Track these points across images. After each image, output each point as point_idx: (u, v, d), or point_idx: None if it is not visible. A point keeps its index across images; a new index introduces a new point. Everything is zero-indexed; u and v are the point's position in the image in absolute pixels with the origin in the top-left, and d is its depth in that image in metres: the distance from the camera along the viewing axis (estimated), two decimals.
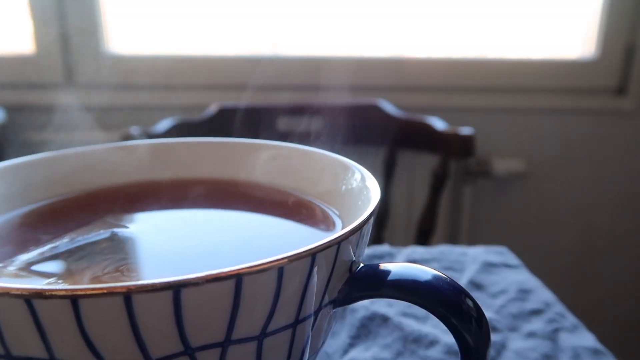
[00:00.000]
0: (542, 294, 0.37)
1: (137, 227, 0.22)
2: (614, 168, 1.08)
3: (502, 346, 0.31)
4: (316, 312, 0.17)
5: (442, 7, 1.00)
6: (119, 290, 0.13)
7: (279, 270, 0.14)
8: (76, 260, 0.19)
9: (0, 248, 0.20)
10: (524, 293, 0.37)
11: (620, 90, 1.04)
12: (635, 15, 1.00)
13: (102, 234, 0.21)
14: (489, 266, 0.41)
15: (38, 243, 0.20)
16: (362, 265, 0.19)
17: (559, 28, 1.04)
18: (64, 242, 0.20)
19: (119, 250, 0.20)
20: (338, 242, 0.16)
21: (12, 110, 0.96)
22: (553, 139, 1.06)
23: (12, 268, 0.18)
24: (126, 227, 0.22)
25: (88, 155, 0.27)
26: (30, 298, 0.13)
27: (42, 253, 0.19)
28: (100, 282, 0.17)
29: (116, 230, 0.21)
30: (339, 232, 0.16)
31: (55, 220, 0.23)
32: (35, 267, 0.18)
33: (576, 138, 1.06)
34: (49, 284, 0.17)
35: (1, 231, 0.22)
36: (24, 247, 0.20)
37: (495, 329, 0.33)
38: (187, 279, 0.13)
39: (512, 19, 1.02)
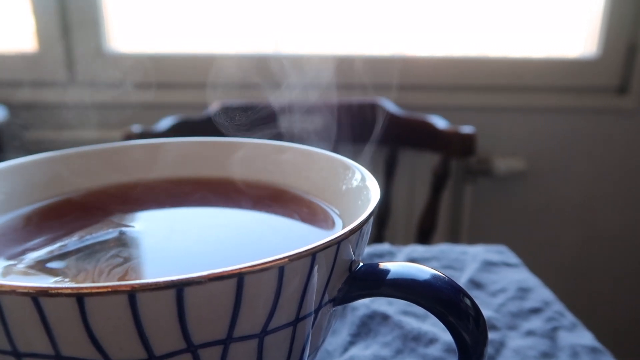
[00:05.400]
0: (542, 293, 0.37)
1: (142, 226, 0.23)
2: (615, 167, 1.08)
3: (501, 344, 0.32)
4: (316, 311, 0.17)
5: (444, 5, 1.00)
6: (123, 288, 0.13)
7: (279, 269, 0.15)
8: (85, 258, 0.19)
9: (9, 246, 0.20)
10: (523, 292, 0.37)
11: (622, 89, 1.04)
12: (637, 14, 1.00)
13: (111, 232, 0.21)
14: (488, 265, 0.42)
15: (46, 241, 0.20)
16: (361, 264, 0.19)
17: (561, 27, 1.04)
18: (73, 241, 0.20)
19: (126, 249, 0.20)
20: (338, 242, 0.16)
21: (14, 108, 0.96)
22: (554, 137, 1.06)
23: (21, 266, 0.18)
24: (132, 226, 0.22)
25: (91, 154, 0.28)
26: (36, 296, 0.13)
27: (52, 251, 0.19)
28: (108, 280, 0.18)
29: (124, 229, 0.21)
30: (339, 231, 0.17)
31: (60, 219, 0.23)
32: (44, 265, 0.19)
33: (577, 137, 1.06)
34: (57, 282, 0.18)
35: (7, 229, 0.22)
36: (32, 245, 0.20)
37: (495, 328, 0.33)
38: (190, 278, 0.13)
39: (514, 18, 1.02)
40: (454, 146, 0.77)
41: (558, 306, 0.36)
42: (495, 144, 1.05)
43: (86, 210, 0.25)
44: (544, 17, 1.03)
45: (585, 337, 0.32)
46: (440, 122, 0.80)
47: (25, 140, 0.98)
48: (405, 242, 0.49)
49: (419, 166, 1.01)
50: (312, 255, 0.15)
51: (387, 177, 0.88)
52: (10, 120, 0.94)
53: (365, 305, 0.34)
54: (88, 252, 0.20)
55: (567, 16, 1.03)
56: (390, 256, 0.43)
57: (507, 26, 1.02)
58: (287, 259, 0.15)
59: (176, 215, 0.25)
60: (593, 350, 0.31)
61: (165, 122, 0.77)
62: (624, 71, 1.03)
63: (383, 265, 0.18)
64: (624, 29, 1.00)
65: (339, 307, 0.19)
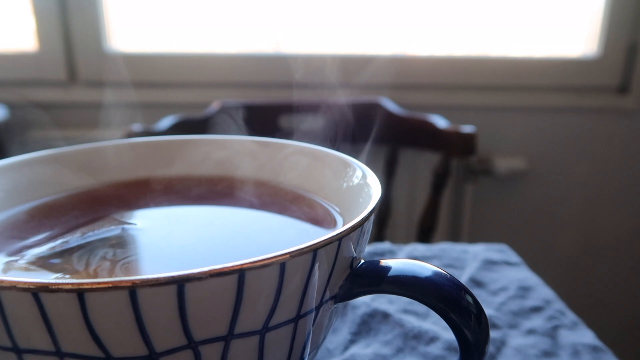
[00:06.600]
0: (542, 292, 0.37)
1: (144, 223, 0.23)
2: (615, 167, 1.08)
3: (502, 343, 0.32)
4: (317, 308, 0.17)
5: (444, 5, 1.00)
6: (124, 284, 0.13)
7: (281, 265, 0.15)
8: (86, 255, 0.19)
9: (10, 242, 0.20)
10: (524, 290, 0.37)
11: (623, 88, 1.04)
12: (637, 13, 0.99)
13: (113, 230, 0.21)
14: (489, 264, 0.41)
15: (48, 238, 0.20)
16: (362, 261, 0.19)
17: (562, 26, 1.04)
18: (74, 238, 0.20)
19: (128, 246, 0.20)
20: (339, 239, 0.16)
21: (15, 107, 0.96)
22: (555, 137, 1.06)
23: (22, 262, 0.18)
24: (134, 224, 0.22)
25: (91, 152, 0.28)
26: (37, 292, 0.13)
27: (53, 248, 0.19)
28: (109, 277, 0.18)
29: (125, 226, 0.21)
30: (340, 228, 0.17)
31: (61, 216, 0.23)
32: (45, 261, 0.19)
33: (578, 136, 1.06)
34: (57, 278, 0.18)
35: (9, 226, 0.22)
36: (34, 242, 0.20)
37: (495, 326, 0.33)
38: (191, 274, 0.13)
39: (515, 17, 1.02)
40: (455, 145, 0.77)
41: (559, 305, 0.36)
42: (496, 143, 1.05)
43: (88, 207, 0.25)
44: (545, 17, 1.03)
45: (586, 336, 0.32)
46: (440, 122, 0.80)
47: (26, 140, 0.98)
48: (406, 241, 0.49)
49: (420, 165, 1.01)
50: (314, 251, 0.15)
51: (387, 177, 0.88)
52: (11, 120, 0.94)
53: (365, 303, 0.34)
54: (89, 248, 0.20)
55: (568, 16, 1.03)
56: (391, 255, 0.43)
57: (507, 25, 1.02)
58: (288, 255, 0.15)
59: (177, 213, 0.25)
60: (594, 348, 0.31)
61: (166, 122, 0.77)
62: (624, 71, 1.03)
63: (384, 262, 0.18)
64: (624, 29, 1.00)
65: (340, 305, 0.19)
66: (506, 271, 0.41)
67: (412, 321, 0.33)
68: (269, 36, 1.01)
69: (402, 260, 0.18)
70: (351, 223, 0.17)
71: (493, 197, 1.08)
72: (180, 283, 0.13)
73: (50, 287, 0.13)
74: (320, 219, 0.23)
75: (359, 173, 0.24)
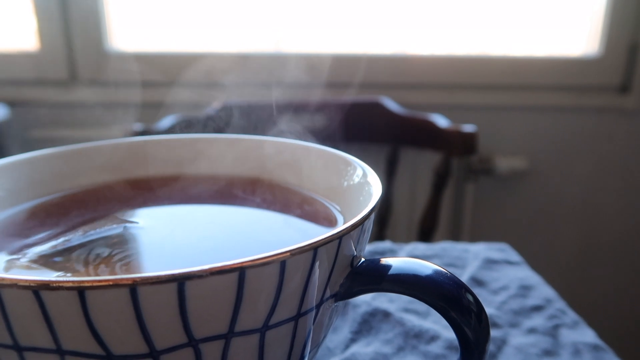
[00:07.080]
0: (543, 291, 0.37)
1: (145, 222, 0.23)
2: (616, 166, 1.08)
3: (503, 342, 0.32)
4: (318, 306, 0.17)
5: (445, 4, 1.00)
6: (124, 282, 0.13)
7: (281, 263, 0.15)
8: (88, 253, 0.19)
9: (12, 241, 0.20)
10: (525, 289, 0.37)
11: (624, 88, 1.04)
12: (638, 13, 0.99)
13: (115, 228, 0.21)
14: (490, 263, 0.41)
15: (50, 236, 0.20)
16: (363, 259, 0.19)
17: (562, 25, 1.04)
18: (76, 236, 0.20)
19: (129, 245, 0.20)
20: (339, 237, 0.16)
21: (16, 106, 0.96)
22: (556, 137, 1.06)
23: (24, 260, 0.18)
24: (136, 222, 0.22)
25: (92, 151, 0.28)
26: (37, 289, 0.13)
27: (55, 246, 0.19)
28: (110, 274, 0.18)
29: (127, 225, 0.21)
30: (340, 227, 0.17)
31: (63, 215, 0.23)
32: (47, 260, 0.19)
33: (579, 136, 1.06)
34: (59, 276, 0.18)
35: (11, 224, 0.22)
36: (36, 240, 0.20)
37: (496, 325, 0.33)
38: (191, 272, 0.13)
39: (515, 17, 1.02)
40: (456, 145, 0.77)
41: (560, 304, 0.36)
42: (497, 142, 1.05)
43: (89, 206, 0.25)
44: (546, 16, 1.03)
45: (587, 335, 0.32)
46: (441, 121, 0.80)
47: (27, 139, 0.98)
48: (407, 240, 0.49)
49: (421, 165, 1.01)
50: (314, 249, 0.15)
51: (388, 176, 0.88)
52: (12, 119, 0.94)
53: (366, 302, 0.34)
54: (91, 247, 0.20)
55: (569, 15, 1.03)
56: (391, 254, 0.43)
57: (508, 25, 1.02)
58: (289, 253, 0.15)
59: (179, 211, 0.25)
60: (595, 347, 0.31)
61: (167, 121, 0.77)
62: (625, 70, 1.02)
63: (385, 260, 0.18)
64: (625, 28, 1.00)
65: (341, 303, 0.19)
66: (507, 270, 0.41)
67: (412, 320, 0.33)
68: (269, 36, 1.01)
69: (403, 259, 0.18)
70: (352, 221, 0.17)
71: (494, 197, 1.08)
72: (180, 281, 0.13)
73: (51, 284, 0.13)
74: (321, 218, 0.23)
75: (359, 172, 0.24)
